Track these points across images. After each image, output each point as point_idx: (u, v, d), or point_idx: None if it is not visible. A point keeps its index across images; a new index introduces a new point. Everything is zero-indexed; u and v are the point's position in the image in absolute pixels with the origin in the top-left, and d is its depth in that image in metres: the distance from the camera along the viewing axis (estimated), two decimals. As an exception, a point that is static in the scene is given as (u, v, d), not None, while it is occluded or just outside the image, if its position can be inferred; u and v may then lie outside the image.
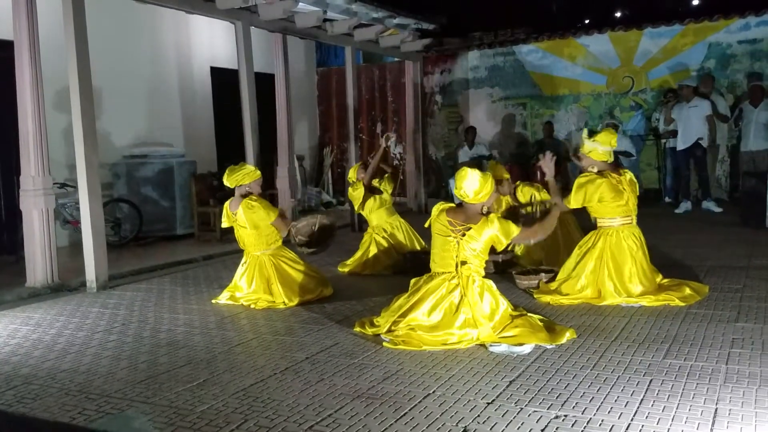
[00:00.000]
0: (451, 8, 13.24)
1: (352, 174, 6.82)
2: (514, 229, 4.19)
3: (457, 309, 4.02)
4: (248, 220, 5.27)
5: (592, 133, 5.08)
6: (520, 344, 3.85)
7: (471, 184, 4.12)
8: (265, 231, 5.35)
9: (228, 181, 5.35)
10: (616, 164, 5.16)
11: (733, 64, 10.51)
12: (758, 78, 9.82)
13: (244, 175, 5.32)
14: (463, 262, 4.10)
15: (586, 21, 16.06)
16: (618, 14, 17.52)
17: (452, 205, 4.29)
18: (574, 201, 5.01)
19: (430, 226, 4.32)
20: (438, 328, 3.99)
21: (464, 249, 4.10)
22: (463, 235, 4.10)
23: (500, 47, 12.15)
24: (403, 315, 4.10)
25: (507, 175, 6.26)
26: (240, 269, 5.43)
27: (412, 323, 4.04)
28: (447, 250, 4.13)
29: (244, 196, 5.34)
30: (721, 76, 10.52)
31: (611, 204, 4.94)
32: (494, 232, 4.12)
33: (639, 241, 4.97)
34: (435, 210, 4.30)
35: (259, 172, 5.44)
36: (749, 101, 9.32)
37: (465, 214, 4.18)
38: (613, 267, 4.86)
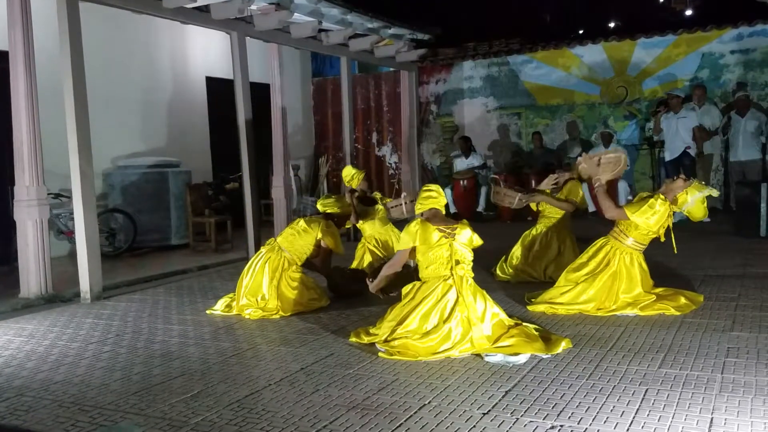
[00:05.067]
0: (445, 18, 13.32)
1: (348, 177, 6.62)
2: (479, 240, 4.34)
3: (451, 312, 4.02)
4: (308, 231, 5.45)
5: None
6: (516, 354, 3.85)
7: (434, 191, 4.37)
8: (304, 245, 5.42)
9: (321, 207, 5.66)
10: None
11: (726, 74, 10.58)
12: (744, 88, 9.89)
13: (332, 204, 5.63)
14: (458, 262, 4.14)
15: (580, 31, 16.16)
16: (612, 25, 17.63)
17: (421, 221, 4.26)
18: (635, 214, 4.81)
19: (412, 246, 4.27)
20: (432, 333, 3.99)
21: (456, 248, 4.17)
22: (453, 235, 4.18)
23: (495, 57, 12.20)
24: (400, 323, 4.09)
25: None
26: (252, 260, 5.49)
27: (408, 330, 4.03)
28: (440, 256, 4.14)
29: (329, 217, 5.61)
30: (714, 85, 10.58)
31: (650, 229, 4.86)
32: (470, 234, 4.26)
33: (641, 266, 4.94)
34: (414, 229, 4.20)
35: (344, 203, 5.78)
36: (736, 111, 9.38)
37: (440, 220, 4.29)
38: (626, 285, 4.84)
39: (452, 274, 4.12)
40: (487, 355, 3.87)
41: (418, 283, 4.23)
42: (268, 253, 5.40)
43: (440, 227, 4.19)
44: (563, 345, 3.99)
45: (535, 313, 4.91)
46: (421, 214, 4.36)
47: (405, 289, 4.28)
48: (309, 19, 8.69)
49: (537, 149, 11.37)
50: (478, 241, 4.30)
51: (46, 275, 6.01)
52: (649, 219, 4.81)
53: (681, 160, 9.48)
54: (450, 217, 4.43)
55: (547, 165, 11.11)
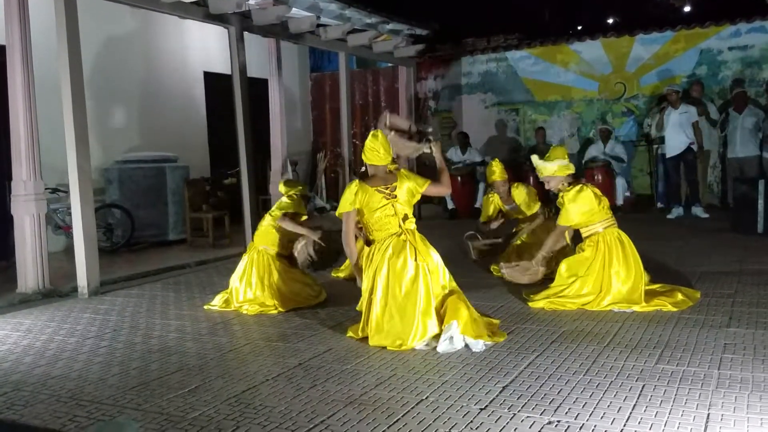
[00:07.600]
0: (444, 14, 13.31)
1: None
2: (424, 181, 4.43)
3: (414, 262, 4.17)
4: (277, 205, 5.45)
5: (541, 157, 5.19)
6: (492, 334, 4.12)
7: (378, 146, 4.31)
8: (276, 231, 5.40)
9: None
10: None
11: (723, 70, 10.58)
12: (742, 84, 9.88)
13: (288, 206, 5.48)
14: (405, 217, 4.30)
15: (579, 27, 16.16)
16: (610, 21, 17.64)
17: (358, 182, 4.35)
18: (569, 219, 4.99)
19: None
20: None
21: (399, 207, 4.31)
22: (395, 196, 4.30)
23: (493, 53, 12.19)
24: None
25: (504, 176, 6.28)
26: (239, 266, 5.43)
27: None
28: (386, 215, 4.28)
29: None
30: (712, 82, 10.59)
31: (597, 209, 4.98)
32: (410, 184, 4.35)
33: (627, 240, 4.98)
34: (354, 190, 4.29)
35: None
36: (734, 108, 9.37)
37: (380, 179, 4.34)
38: (617, 270, 4.86)
39: (402, 229, 4.26)
40: (471, 344, 3.96)
41: (370, 250, 4.30)
42: (252, 256, 5.39)
43: (379, 188, 4.29)
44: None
45: (535, 309, 4.91)
46: (365, 169, 4.44)
47: (365, 257, 4.38)
48: (307, 14, 8.67)
49: (540, 145, 11.36)
50: (418, 187, 4.36)
51: (43, 270, 6.00)
52: (584, 213, 4.97)
53: (684, 156, 9.44)
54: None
55: None
